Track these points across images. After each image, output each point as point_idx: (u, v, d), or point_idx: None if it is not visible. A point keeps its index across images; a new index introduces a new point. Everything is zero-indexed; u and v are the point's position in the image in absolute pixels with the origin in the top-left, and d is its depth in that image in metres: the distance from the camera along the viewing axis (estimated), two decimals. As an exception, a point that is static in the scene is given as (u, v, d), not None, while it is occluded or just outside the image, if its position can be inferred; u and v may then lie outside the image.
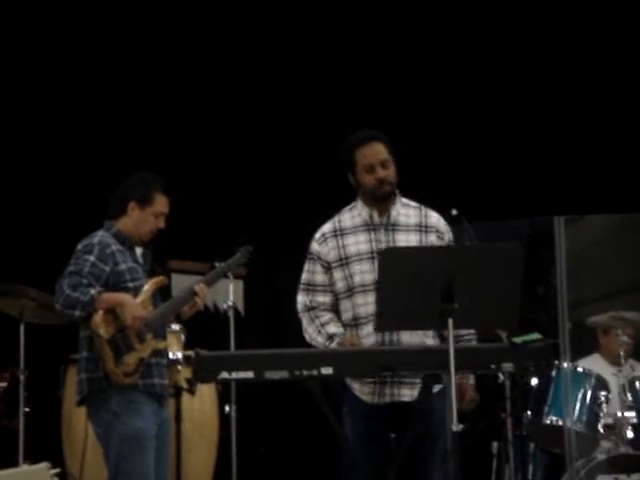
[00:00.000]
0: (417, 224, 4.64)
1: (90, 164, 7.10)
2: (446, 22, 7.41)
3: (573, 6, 7.29)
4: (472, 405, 4.64)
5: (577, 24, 7.30)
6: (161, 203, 4.95)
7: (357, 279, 4.55)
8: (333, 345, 4.53)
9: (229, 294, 5.95)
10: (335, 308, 4.62)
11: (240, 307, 6.03)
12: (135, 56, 7.23)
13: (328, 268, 4.61)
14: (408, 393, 4.47)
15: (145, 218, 4.91)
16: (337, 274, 4.59)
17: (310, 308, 4.62)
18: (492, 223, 5.75)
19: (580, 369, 5.78)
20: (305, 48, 7.42)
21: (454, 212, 4.72)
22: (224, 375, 4.20)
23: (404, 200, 4.69)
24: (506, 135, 7.38)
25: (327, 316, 4.61)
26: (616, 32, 7.28)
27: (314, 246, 4.66)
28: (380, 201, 4.60)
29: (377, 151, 4.60)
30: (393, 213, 4.63)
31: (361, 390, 4.52)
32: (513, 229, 5.57)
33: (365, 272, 4.54)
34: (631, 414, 5.63)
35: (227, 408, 6.00)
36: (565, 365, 5.69)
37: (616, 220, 6.37)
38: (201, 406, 5.76)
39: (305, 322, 4.64)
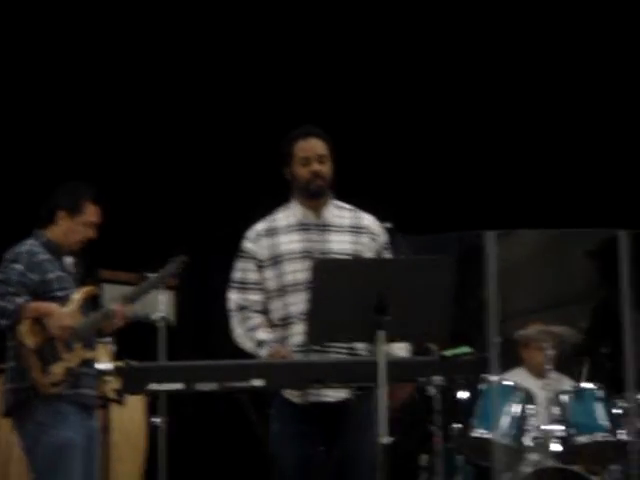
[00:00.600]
0: (351, 225, 4.67)
1: (20, 173, 7.02)
2: (386, 28, 7.47)
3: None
4: (407, 393, 4.61)
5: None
6: (91, 212, 4.93)
7: (289, 278, 4.57)
8: (262, 352, 4.55)
9: (160, 305, 5.92)
10: (266, 307, 4.63)
11: (171, 318, 6.00)
12: (62, 64, 7.19)
13: (260, 267, 4.62)
14: (332, 394, 4.49)
15: (75, 227, 4.89)
16: (269, 273, 4.61)
17: (242, 307, 4.63)
18: (425, 236, 5.80)
19: (508, 383, 5.83)
20: (233, 51, 7.43)
21: (388, 225, 4.75)
22: (153, 386, 4.17)
23: (338, 202, 4.73)
24: (438, 149, 7.44)
25: (258, 320, 4.62)
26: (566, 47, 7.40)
27: (247, 244, 4.67)
28: (312, 197, 4.63)
29: (315, 145, 4.66)
30: (327, 214, 4.67)
31: (291, 392, 4.53)
32: (445, 242, 5.61)
33: (297, 271, 4.56)
34: (557, 427, 5.70)
35: (156, 419, 5.96)
36: (493, 379, 5.74)
37: (544, 235, 6.46)
38: (130, 417, 5.72)
39: (235, 322, 4.65)
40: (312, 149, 4.65)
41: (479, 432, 5.67)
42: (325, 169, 4.65)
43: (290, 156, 4.67)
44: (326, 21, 7.50)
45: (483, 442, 5.68)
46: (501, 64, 7.48)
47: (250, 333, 4.61)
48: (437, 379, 4.27)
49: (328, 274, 4.13)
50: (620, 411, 5.78)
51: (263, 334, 4.60)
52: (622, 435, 5.68)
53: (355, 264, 4.39)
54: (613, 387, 5.99)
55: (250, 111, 7.41)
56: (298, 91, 7.37)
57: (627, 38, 7.38)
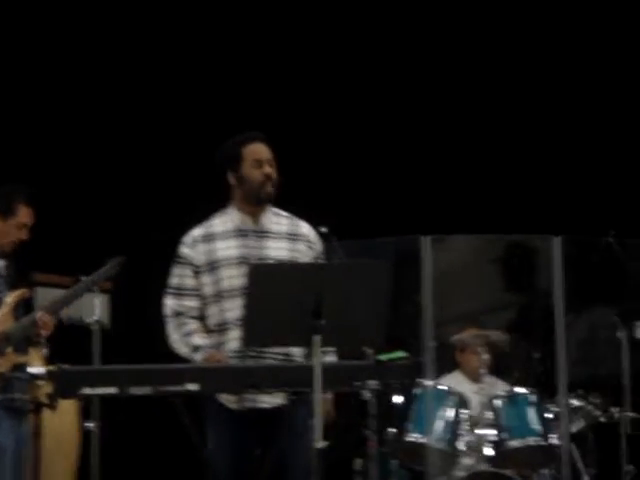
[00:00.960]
0: (288, 232, 4.68)
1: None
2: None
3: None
4: (329, 420, 4.66)
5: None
6: (24, 214, 4.88)
7: (225, 284, 4.56)
8: (198, 358, 4.52)
9: (95, 308, 5.87)
10: (202, 313, 4.61)
11: (106, 322, 5.95)
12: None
13: (197, 272, 4.60)
14: (268, 399, 4.49)
15: (7, 229, 4.85)
16: (206, 278, 4.59)
17: (178, 313, 4.61)
18: (361, 241, 5.81)
19: (443, 387, 5.87)
20: (169, 57, 7.41)
21: (323, 230, 4.75)
22: (86, 390, 4.13)
23: (275, 210, 4.73)
24: (373, 154, 7.47)
25: (193, 325, 4.60)
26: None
27: (184, 250, 4.65)
28: (261, 202, 4.63)
29: (265, 149, 4.68)
30: (264, 220, 4.66)
31: (226, 398, 4.51)
32: (381, 247, 5.63)
33: (233, 277, 4.55)
34: (490, 431, 5.75)
35: (89, 424, 5.90)
36: (428, 383, 5.77)
37: (478, 240, 6.51)
38: (62, 421, 5.65)
39: (170, 328, 4.63)
40: (264, 152, 4.67)
41: (413, 436, 5.70)
42: (275, 174, 4.65)
43: (238, 159, 4.64)
44: (259, 23, 7.49)
45: (417, 446, 5.71)
46: (451, 66, 7.53)
47: (186, 338, 4.59)
48: (372, 383, 4.29)
49: (264, 279, 4.13)
50: (551, 415, 5.85)
51: (199, 339, 4.59)
52: (553, 439, 5.74)
53: (291, 269, 4.39)
54: (545, 391, 6.05)
55: (187, 115, 7.38)
56: (232, 95, 7.35)
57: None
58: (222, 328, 4.57)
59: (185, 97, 7.41)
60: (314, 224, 4.73)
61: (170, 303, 4.64)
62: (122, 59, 7.37)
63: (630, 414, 6.07)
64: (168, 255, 4.69)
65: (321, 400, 4.32)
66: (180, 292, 4.62)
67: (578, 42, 7.47)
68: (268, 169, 4.63)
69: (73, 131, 7.31)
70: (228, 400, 4.51)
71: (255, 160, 4.63)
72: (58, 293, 4.94)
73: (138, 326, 6.55)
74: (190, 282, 4.62)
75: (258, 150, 4.65)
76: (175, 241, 4.69)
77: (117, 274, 5.06)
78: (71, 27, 7.30)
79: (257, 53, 7.47)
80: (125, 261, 5.02)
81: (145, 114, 7.39)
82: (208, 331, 4.61)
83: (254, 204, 4.64)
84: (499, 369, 6.31)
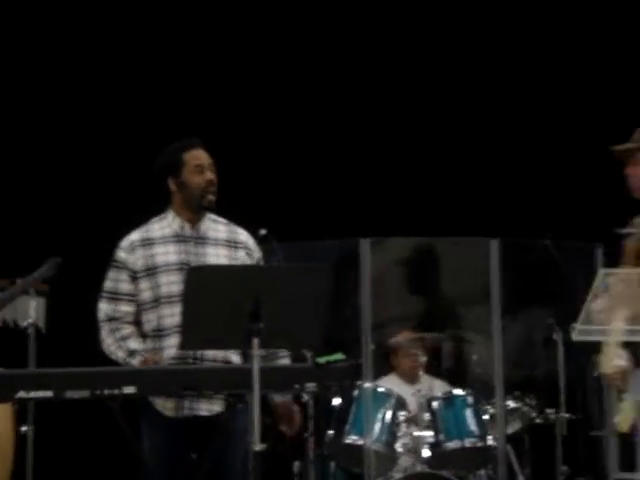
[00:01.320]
0: (226, 239, 4.65)
1: None
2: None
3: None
4: (297, 428, 4.70)
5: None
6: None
7: (164, 290, 4.53)
8: (134, 362, 4.48)
9: (30, 311, 5.79)
10: (137, 319, 4.57)
11: (41, 324, 5.87)
12: None
13: (134, 278, 4.56)
14: (205, 407, 4.46)
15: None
16: (143, 284, 4.55)
17: (112, 318, 4.57)
18: (301, 243, 5.80)
19: (381, 389, 5.88)
20: (113, 63, 7.35)
21: (263, 232, 4.75)
22: (21, 394, 4.08)
23: (212, 216, 4.70)
24: (313, 156, 7.46)
25: (128, 330, 4.56)
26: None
27: (120, 254, 4.60)
28: (201, 209, 4.60)
29: (205, 155, 4.66)
30: (203, 227, 4.64)
31: (163, 405, 4.47)
32: (322, 250, 5.63)
33: (172, 283, 4.51)
34: (428, 433, 5.77)
35: (24, 428, 5.83)
36: (366, 385, 5.78)
37: (415, 243, 6.53)
38: (-4, 426, 5.57)
39: (104, 332, 4.58)
40: (205, 157, 4.64)
41: (352, 438, 5.71)
42: (216, 179, 4.62)
43: (179, 165, 4.61)
44: (197, 23, 7.47)
45: (356, 448, 5.71)
46: (407, 68, 7.56)
47: (121, 342, 4.54)
48: (311, 386, 4.29)
49: (202, 281, 4.10)
50: (488, 417, 5.89)
51: (134, 343, 4.55)
52: (490, 441, 5.79)
53: (230, 271, 4.37)
54: (482, 393, 6.09)
55: (124, 116, 7.33)
56: (168, 99, 7.31)
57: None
58: (159, 334, 4.53)
59: (122, 99, 7.35)
60: (253, 227, 4.72)
61: (104, 307, 4.59)
62: (60, 59, 7.30)
63: (565, 415, 6.13)
64: (105, 258, 4.65)
65: (287, 409, 4.36)
66: (115, 296, 4.58)
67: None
68: (210, 175, 4.61)
69: (9, 132, 7.21)
70: (165, 407, 4.48)
71: (196, 166, 4.60)
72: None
73: (74, 329, 6.48)
74: (125, 287, 4.57)
75: (199, 156, 4.63)
76: (112, 244, 4.64)
77: (53, 275, 4.99)
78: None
79: (191, 55, 7.43)
80: (61, 262, 4.95)
81: (83, 114, 7.33)
82: (144, 337, 4.57)
83: (194, 211, 4.61)
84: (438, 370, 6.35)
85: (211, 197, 4.59)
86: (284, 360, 4.55)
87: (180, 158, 4.61)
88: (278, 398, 4.61)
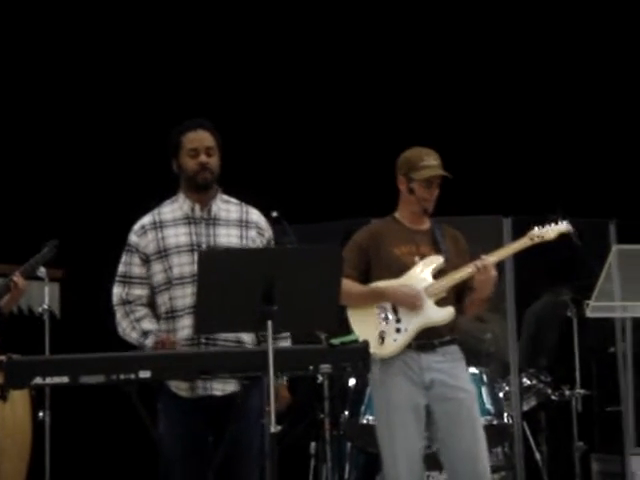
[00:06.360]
0: (238, 219, 4.65)
1: None
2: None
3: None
4: (284, 404, 4.68)
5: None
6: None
7: (176, 271, 4.53)
8: (147, 342, 4.51)
9: (44, 297, 5.82)
10: (151, 301, 4.59)
11: (56, 310, 5.90)
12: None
13: (146, 260, 4.57)
14: (219, 387, 4.48)
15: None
16: (156, 267, 4.56)
17: (126, 301, 4.58)
18: (311, 225, 5.81)
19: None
20: (123, 48, 7.35)
21: (274, 214, 4.75)
22: (38, 380, 4.08)
23: (225, 197, 4.70)
24: (323, 137, 7.47)
25: (142, 311, 4.58)
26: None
27: (132, 238, 4.62)
28: (200, 188, 4.60)
29: (203, 137, 4.62)
30: (214, 207, 4.64)
31: (177, 386, 4.49)
32: (332, 231, 5.63)
33: (184, 264, 4.52)
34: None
35: (41, 414, 5.86)
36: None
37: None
38: (13, 412, 5.61)
39: (119, 315, 4.60)
40: (200, 141, 4.62)
41: (367, 419, 5.71)
42: (213, 161, 4.62)
43: (178, 147, 4.63)
44: (211, 16, 7.47)
45: (371, 429, 5.71)
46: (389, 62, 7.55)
47: (135, 324, 4.56)
48: (325, 367, 4.28)
49: (215, 264, 4.11)
50: (503, 394, 5.89)
51: (149, 324, 4.56)
52: (505, 418, 5.78)
53: (243, 254, 4.37)
54: (497, 371, 6.10)
55: (138, 99, 7.34)
56: (184, 81, 7.32)
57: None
58: (172, 316, 4.54)
59: (132, 82, 7.36)
60: (263, 209, 4.72)
61: (118, 291, 4.61)
62: (65, 49, 7.30)
63: (581, 391, 6.14)
64: (120, 242, 4.66)
65: (276, 385, 4.35)
66: (128, 280, 4.59)
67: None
68: (204, 158, 4.59)
69: (18, 120, 7.23)
70: (179, 388, 4.49)
71: (191, 149, 4.60)
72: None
73: (89, 314, 6.51)
74: (137, 270, 4.58)
75: (195, 138, 4.61)
76: (127, 228, 4.66)
77: (52, 257, 4.99)
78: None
79: (202, 38, 7.43)
80: (58, 243, 4.95)
81: (89, 98, 7.33)
82: (157, 319, 4.59)
83: (194, 191, 4.62)
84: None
85: (207, 175, 4.59)
86: (284, 342, 4.55)
87: (178, 141, 4.63)
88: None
